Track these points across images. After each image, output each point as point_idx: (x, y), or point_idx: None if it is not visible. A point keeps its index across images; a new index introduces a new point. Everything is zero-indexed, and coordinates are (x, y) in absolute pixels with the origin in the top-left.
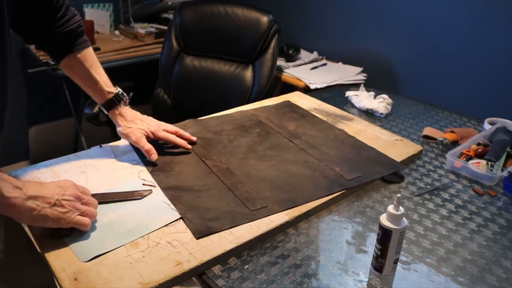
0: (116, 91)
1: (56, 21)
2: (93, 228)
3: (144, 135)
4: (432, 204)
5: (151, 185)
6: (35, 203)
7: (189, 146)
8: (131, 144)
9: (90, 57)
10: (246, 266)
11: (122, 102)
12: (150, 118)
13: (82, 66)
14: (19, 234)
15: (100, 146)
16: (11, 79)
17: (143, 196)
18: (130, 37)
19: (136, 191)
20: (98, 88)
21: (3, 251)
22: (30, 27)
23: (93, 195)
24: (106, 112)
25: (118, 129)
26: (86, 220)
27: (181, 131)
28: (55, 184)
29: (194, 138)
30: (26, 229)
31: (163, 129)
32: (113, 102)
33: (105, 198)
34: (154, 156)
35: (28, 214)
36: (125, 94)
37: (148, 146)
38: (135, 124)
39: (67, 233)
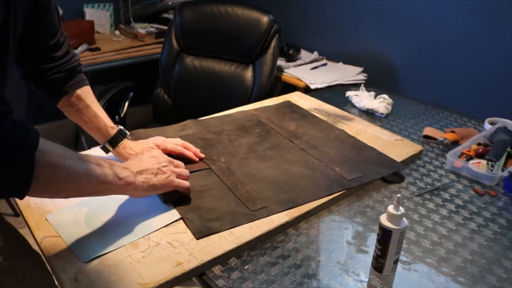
0: (119, 127)
1: (57, 59)
2: (93, 228)
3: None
4: (433, 204)
5: None
6: (143, 176)
7: (196, 159)
8: None
9: (90, 94)
10: (246, 266)
11: (126, 137)
12: (155, 137)
13: (83, 102)
14: (15, 237)
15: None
16: (10, 73)
17: None
18: (130, 37)
19: None
20: (101, 125)
21: None
22: (29, 59)
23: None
24: (111, 150)
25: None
26: (185, 182)
27: (188, 145)
28: (148, 156)
29: (202, 155)
30: (22, 231)
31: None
32: (119, 138)
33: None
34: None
35: (141, 187)
36: (126, 131)
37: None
38: (141, 146)
39: (177, 197)
